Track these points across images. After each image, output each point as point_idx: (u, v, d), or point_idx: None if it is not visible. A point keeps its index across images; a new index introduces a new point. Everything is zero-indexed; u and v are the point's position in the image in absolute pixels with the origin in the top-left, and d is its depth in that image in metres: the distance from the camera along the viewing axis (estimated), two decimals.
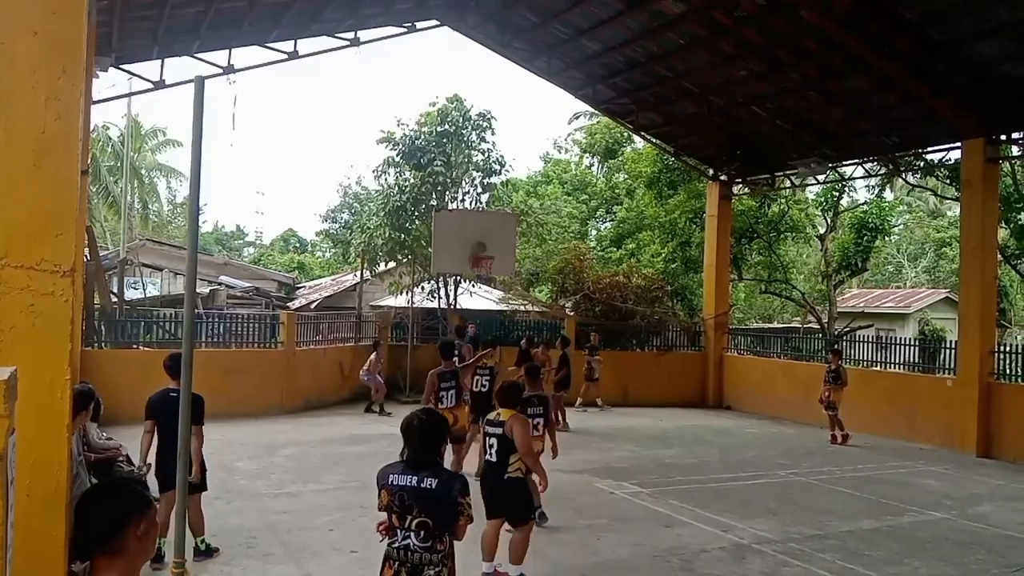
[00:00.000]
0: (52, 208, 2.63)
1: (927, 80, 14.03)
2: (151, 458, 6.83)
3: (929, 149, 17.54)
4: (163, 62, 15.54)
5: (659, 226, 25.03)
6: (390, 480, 4.05)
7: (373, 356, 16.76)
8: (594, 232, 34.06)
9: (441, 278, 20.07)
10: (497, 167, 20.47)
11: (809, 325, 25.05)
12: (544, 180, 37.11)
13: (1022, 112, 14.33)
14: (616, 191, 32.58)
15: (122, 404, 11.01)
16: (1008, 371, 14.53)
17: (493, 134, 20.37)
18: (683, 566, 7.37)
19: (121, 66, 15.32)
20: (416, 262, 19.82)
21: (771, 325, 29.34)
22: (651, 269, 23.78)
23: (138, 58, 15.56)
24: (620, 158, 33.29)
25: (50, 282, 2.61)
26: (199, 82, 4.33)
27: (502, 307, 22.87)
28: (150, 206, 38.63)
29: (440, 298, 20.47)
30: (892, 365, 17.12)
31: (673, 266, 23.85)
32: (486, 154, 20.29)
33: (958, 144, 15.56)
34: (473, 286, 22.32)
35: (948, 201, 28.57)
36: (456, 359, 10.44)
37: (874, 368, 17.31)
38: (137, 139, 35.67)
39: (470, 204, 20.29)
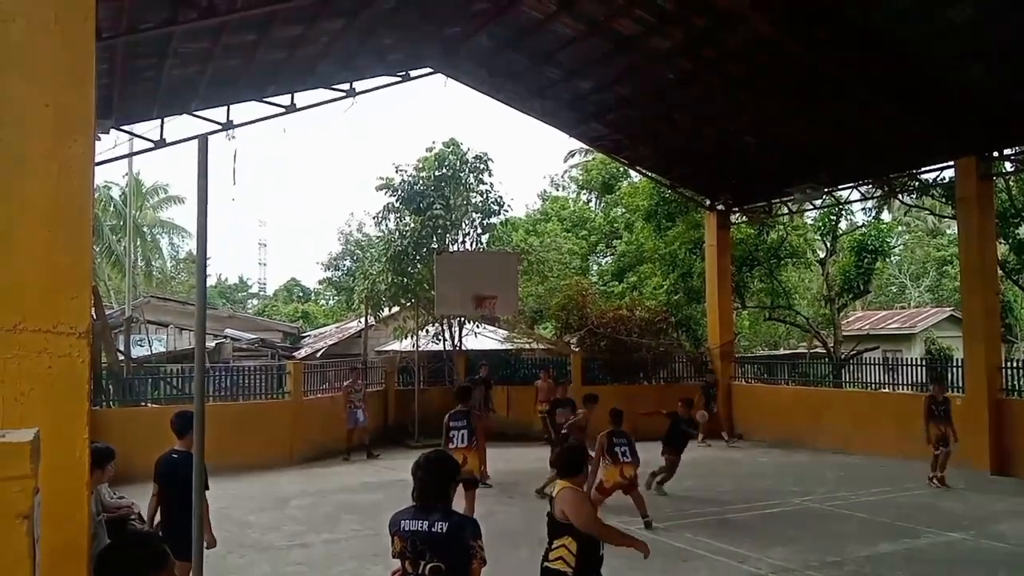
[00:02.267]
0: (67, 272, 2.72)
1: (916, 102, 14.22)
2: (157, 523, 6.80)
3: (923, 169, 17.68)
4: (163, 121, 15.79)
5: (659, 258, 25.13)
6: (402, 526, 4.05)
7: (349, 381, 16.64)
8: (595, 267, 34.18)
9: (445, 320, 20.13)
10: (496, 207, 20.65)
11: (815, 350, 25.02)
12: (543, 218, 37.37)
13: (1011, 128, 14.50)
14: (615, 225, 32.75)
15: (132, 463, 10.93)
16: (1018, 386, 14.49)
17: (491, 175, 20.59)
18: None
19: (122, 127, 15.58)
20: (420, 306, 19.89)
21: (777, 352, 29.29)
22: (654, 301, 23.81)
23: (138, 118, 15.81)
24: (617, 193, 33.53)
25: (66, 344, 2.69)
26: (202, 141, 4.44)
27: (507, 346, 22.90)
28: (153, 263, 38.90)
29: (445, 340, 20.51)
30: (901, 386, 17.09)
31: (676, 297, 23.89)
32: (484, 195, 20.48)
33: (951, 163, 15.72)
34: (478, 327, 22.37)
35: (946, 219, 28.70)
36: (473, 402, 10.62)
37: (883, 390, 17.27)
38: (139, 197, 36.04)
39: (471, 245, 20.43)
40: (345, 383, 16.86)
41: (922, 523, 10.16)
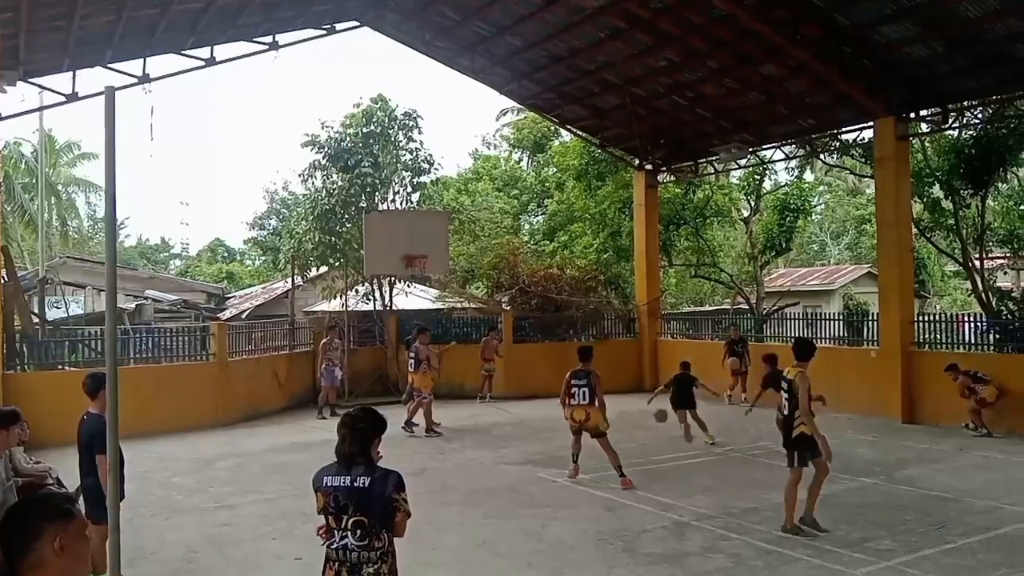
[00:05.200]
0: None
1: (837, 64, 14.53)
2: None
3: (843, 130, 18.13)
4: (75, 74, 15.07)
5: (590, 217, 25.31)
6: (324, 482, 4.05)
7: (323, 341, 16.60)
8: (526, 226, 34.26)
9: (375, 280, 19.93)
10: (426, 166, 20.38)
11: (739, 306, 25.65)
12: (474, 177, 37.16)
13: (928, 91, 14.96)
14: (546, 185, 32.81)
15: (48, 427, 10.70)
16: (928, 339, 15.15)
17: (420, 133, 20.27)
18: (625, 547, 7.53)
19: (30, 80, 14.82)
20: (348, 265, 19.64)
21: (702, 308, 29.93)
22: (584, 260, 24.03)
23: (48, 71, 15.07)
24: (548, 152, 33.53)
25: None
26: (109, 93, 4.25)
27: (439, 306, 22.85)
28: (69, 223, 37.35)
29: (376, 300, 20.33)
30: (820, 340, 17.62)
31: (605, 256, 24.14)
32: (414, 153, 20.18)
33: (870, 124, 16.14)
34: (408, 286, 22.22)
35: (866, 179, 29.56)
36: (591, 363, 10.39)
37: None
38: (52, 154, 34.43)
39: (401, 204, 20.19)
40: (323, 341, 16.71)
41: (837, 470, 10.49)
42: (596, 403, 10.05)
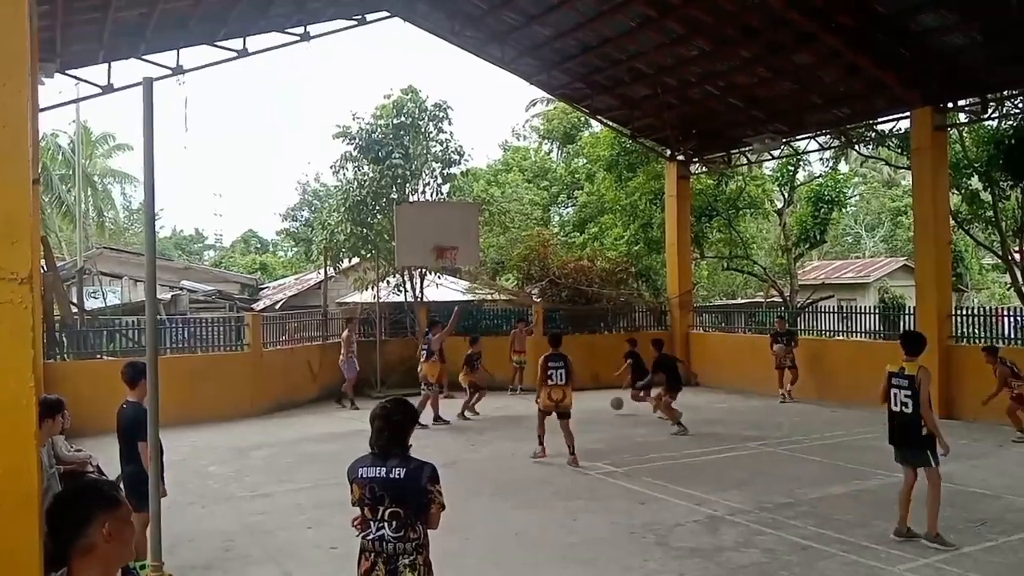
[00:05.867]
0: (6, 216, 2.61)
1: (873, 52, 14.26)
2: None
3: (879, 120, 17.83)
4: (110, 66, 15.29)
5: (620, 209, 25.18)
6: (360, 474, 4.07)
7: (346, 333, 16.76)
8: (556, 218, 34.17)
9: (406, 271, 19.99)
10: (456, 157, 20.39)
11: (772, 299, 25.41)
12: (504, 168, 37.12)
13: (966, 80, 14.64)
14: (576, 176, 32.69)
15: (87, 416, 10.83)
16: (966, 333, 14.87)
17: (450, 124, 20.28)
18: (658, 540, 7.49)
19: (67, 72, 15.05)
20: (380, 256, 19.72)
21: (735, 301, 29.68)
22: (615, 252, 23.91)
23: (84, 63, 15.29)
24: (578, 143, 33.39)
25: (8, 290, 2.59)
26: (147, 84, 4.28)
27: (469, 297, 22.87)
28: (105, 213, 37.96)
29: (407, 291, 20.40)
30: (854, 334, 17.44)
31: (636, 248, 24.01)
32: (444, 144, 20.19)
33: (907, 113, 15.84)
34: (439, 278, 22.26)
35: (901, 170, 29.07)
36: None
37: (837, 337, 17.63)
38: (88, 145, 34.97)
39: (431, 196, 20.21)
40: (344, 333, 16.90)
41: (872, 465, 10.43)
42: (570, 385, 11.07)
